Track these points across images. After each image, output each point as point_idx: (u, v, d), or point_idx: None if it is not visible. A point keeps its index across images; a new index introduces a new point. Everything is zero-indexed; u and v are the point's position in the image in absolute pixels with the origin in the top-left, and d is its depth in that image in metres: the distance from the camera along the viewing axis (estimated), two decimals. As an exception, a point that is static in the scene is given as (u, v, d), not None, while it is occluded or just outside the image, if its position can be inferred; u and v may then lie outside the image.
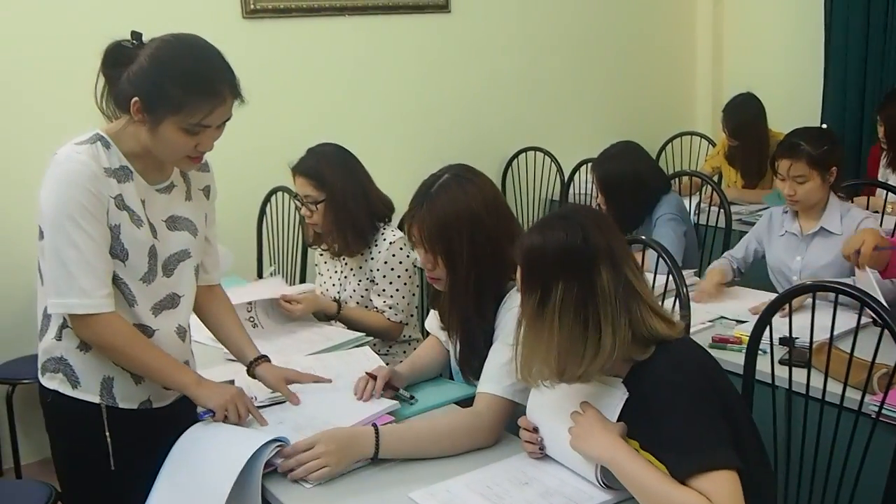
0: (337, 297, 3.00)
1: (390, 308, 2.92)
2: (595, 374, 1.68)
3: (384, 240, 2.93)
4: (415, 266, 2.97)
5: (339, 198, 2.89)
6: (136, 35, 1.89)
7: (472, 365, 2.14)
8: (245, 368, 2.22)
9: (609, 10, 5.47)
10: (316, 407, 2.13)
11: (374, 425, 1.94)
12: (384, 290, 2.93)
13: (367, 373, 2.22)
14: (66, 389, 1.97)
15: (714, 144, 5.27)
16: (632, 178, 3.41)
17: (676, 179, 4.11)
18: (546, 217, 1.82)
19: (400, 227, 2.95)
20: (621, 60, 5.56)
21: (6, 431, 3.71)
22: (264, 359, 2.20)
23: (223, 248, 3.59)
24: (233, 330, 2.26)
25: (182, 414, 2.08)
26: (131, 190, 1.92)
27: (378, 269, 2.92)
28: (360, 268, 2.99)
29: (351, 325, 2.93)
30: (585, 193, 4.62)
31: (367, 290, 2.98)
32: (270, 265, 4.02)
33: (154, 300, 2.00)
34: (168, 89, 1.81)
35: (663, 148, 5.48)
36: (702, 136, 5.44)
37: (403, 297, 2.94)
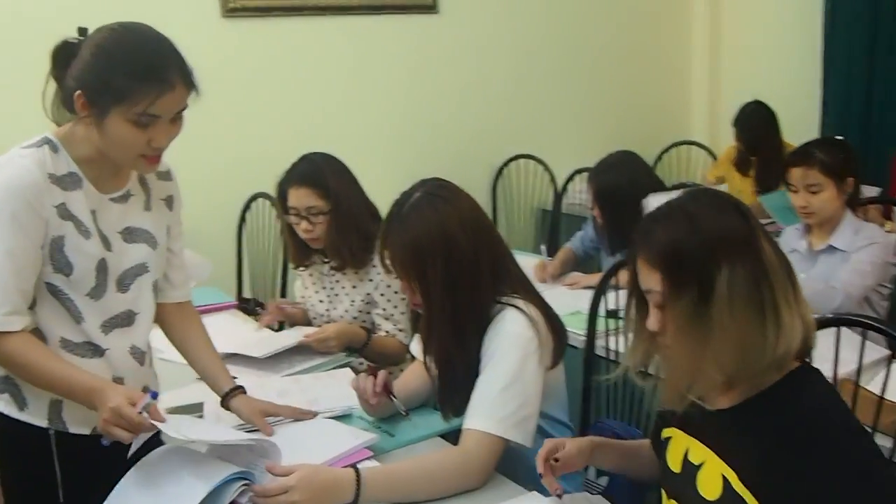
0: (365, 325, 2.79)
1: (401, 331, 2.74)
2: (770, 370, 1.44)
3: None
4: None
5: (345, 208, 2.70)
6: (83, 30, 1.74)
7: (453, 402, 1.96)
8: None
9: (603, 14, 5.33)
10: (289, 436, 1.94)
11: (356, 468, 1.74)
12: (392, 315, 2.75)
13: (368, 366, 2.05)
14: (12, 411, 1.83)
15: (712, 154, 5.14)
16: (629, 189, 3.24)
17: (676, 191, 3.94)
18: (659, 209, 1.51)
19: None
20: (616, 65, 5.42)
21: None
22: (239, 390, 2.03)
23: (200, 258, 3.45)
24: (204, 354, 2.07)
25: (142, 440, 1.89)
26: (79, 198, 1.77)
27: (380, 291, 2.74)
28: (355, 287, 2.80)
29: (373, 355, 2.71)
30: (580, 204, 4.48)
31: (360, 310, 2.79)
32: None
33: (104, 317, 1.84)
34: (110, 78, 1.67)
35: (660, 157, 5.36)
36: (699, 145, 5.30)
37: (409, 320, 2.74)
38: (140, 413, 1.67)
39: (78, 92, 1.70)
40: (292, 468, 1.69)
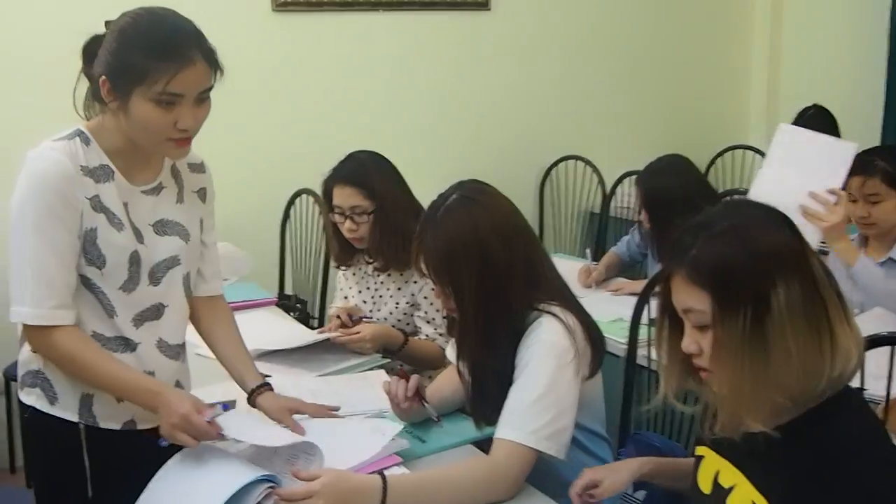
0: (408, 328, 2.76)
1: (441, 336, 2.69)
2: (826, 392, 1.36)
3: None
4: None
5: (390, 208, 2.66)
6: (109, 23, 1.74)
7: (484, 411, 1.91)
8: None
9: (660, 14, 5.22)
10: (318, 437, 1.88)
11: (383, 475, 1.69)
12: (433, 319, 2.70)
13: (400, 369, 2.03)
14: (44, 406, 1.83)
15: (768, 160, 5.00)
16: (679, 195, 3.16)
17: (728, 198, 3.84)
18: (697, 224, 1.43)
19: None
20: (671, 66, 5.30)
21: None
22: (266, 387, 1.99)
23: (240, 253, 3.45)
24: (233, 350, 2.04)
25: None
26: (111, 190, 1.77)
27: (423, 294, 2.70)
28: (400, 289, 2.76)
29: (409, 358, 2.67)
30: (628, 207, 4.39)
31: (404, 313, 2.75)
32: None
33: (136, 310, 1.84)
34: (129, 57, 1.67)
35: (713, 162, 5.22)
36: (755, 150, 5.16)
37: None
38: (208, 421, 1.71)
39: (102, 77, 1.70)
40: (318, 473, 1.65)
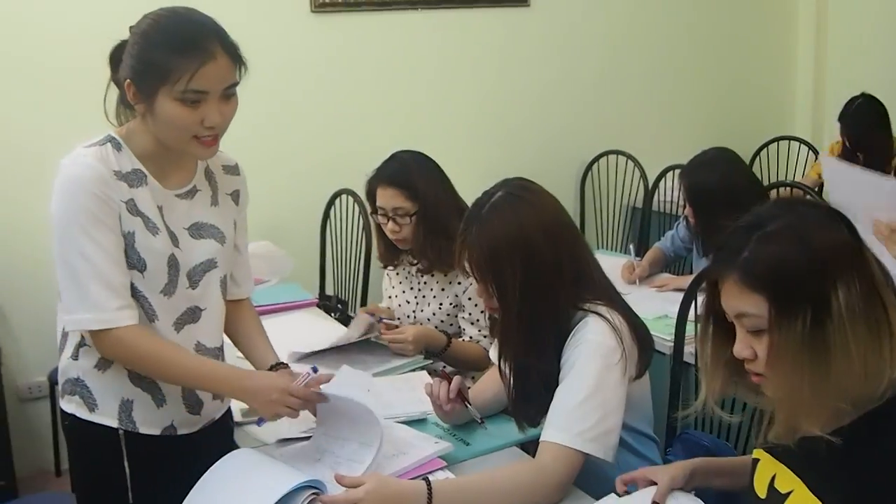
0: (451, 329, 2.74)
1: (485, 337, 2.66)
2: (887, 393, 1.32)
3: None
4: None
5: (432, 210, 2.64)
6: (133, 28, 1.73)
7: (527, 413, 1.88)
8: None
9: (700, 3, 5.13)
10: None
11: (427, 480, 1.68)
12: (478, 320, 2.68)
13: (442, 371, 2.02)
14: (84, 413, 1.83)
15: (814, 150, 4.91)
16: (725, 189, 3.09)
17: (774, 191, 3.76)
18: (747, 224, 1.37)
19: None
20: (713, 57, 5.22)
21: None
22: (283, 366, 1.98)
23: (282, 253, 3.45)
24: (252, 333, 2.05)
25: (212, 442, 1.90)
26: (145, 195, 1.77)
27: (468, 295, 2.68)
28: (443, 290, 2.74)
29: (452, 360, 2.66)
30: (671, 201, 4.32)
31: (447, 314, 2.73)
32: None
33: (176, 314, 1.83)
34: (151, 57, 1.66)
35: (757, 153, 5.14)
36: (801, 140, 5.07)
37: None
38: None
39: (127, 81, 1.70)
40: (361, 479, 1.64)
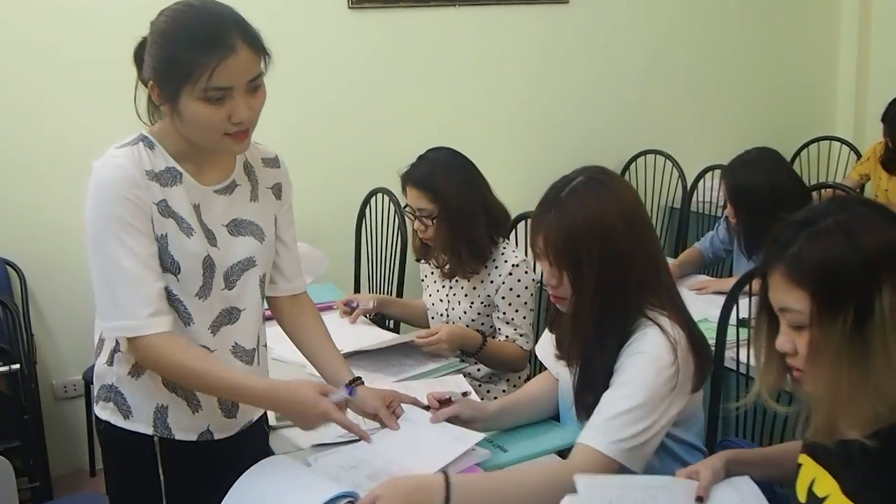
0: (482, 328, 2.72)
1: (521, 336, 2.65)
2: None
3: (505, 261, 2.66)
4: (537, 288, 2.72)
5: (455, 212, 2.62)
6: (152, 23, 1.68)
7: (586, 402, 1.82)
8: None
9: (741, 1, 5.05)
10: (395, 449, 1.85)
11: (445, 473, 1.63)
12: (513, 319, 2.66)
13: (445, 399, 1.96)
14: (118, 420, 1.80)
15: (856, 151, 4.83)
16: (768, 190, 3.04)
17: (817, 192, 3.69)
18: (800, 219, 1.36)
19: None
20: (753, 57, 5.14)
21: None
22: (360, 381, 1.93)
23: (318, 253, 3.44)
24: (323, 347, 1.99)
25: (248, 447, 1.87)
26: (180, 194, 1.72)
27: (501, 294, 2.66)
28: (474, 289, 2.72)
29: (488, 360, 2.65)
30: (710, 202, 4.26)
31: (479, 313, 2.71)
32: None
33: (212, 317, 1.79)
34: (171, 56, 1.61)
35: (798, 154, 5.07)
36: (843, 141, 4.99)
37: (531, 324, 2.68)
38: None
39: (150, 82, 1.65)
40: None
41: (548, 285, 1.85)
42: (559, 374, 2.03)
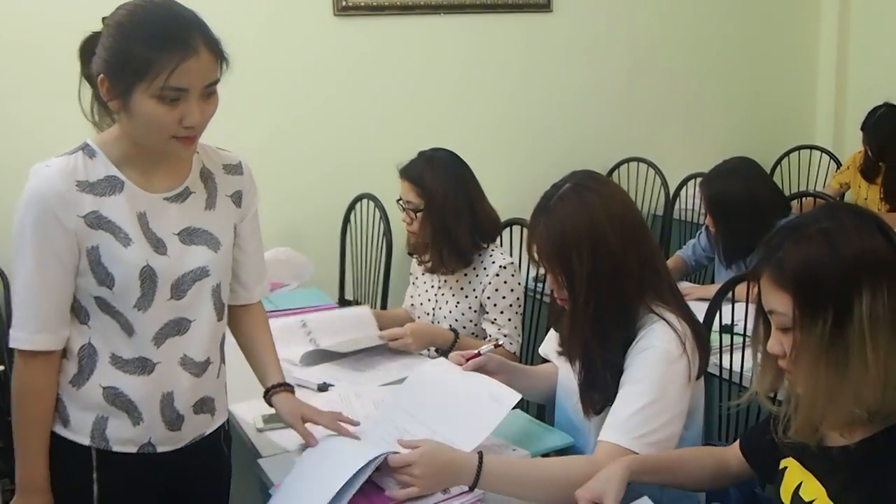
0: (453, 327, 2.76)
1: (506, 337, 2.69)
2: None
3: (493, 262, 2.71)
4: (524, 292, 2.78)
5: (438, 209, 2.68)
6: (106, 19, 1.64)
7: (592, 398, 1.88)
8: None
9: (723, 12, 5.11)
10: (437, 403, 1.95)
11: (480, 453, 1.70)
12: (496, 320, 2.71)
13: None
14: (59, 428, 1.74)
15: (836, 160, 4.89)
16: (746, 199, 3.09)
17: (797, 201, 3.74)
18: (789, 225, 1.43)
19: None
20: (734, 66, 5.19)
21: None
22: (285, 387, 1.94)
23: (303, 258, 3.45)
24: (261, 350, 1.98)
25: (197, 460, 1.85)
26: (118, 203, 1.66)
27: (486, 295, 2.71)
28: (462, 289, 2.77)
29: None
30: (692, 210, 4.30)
31: (463, 314, 2.76)
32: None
33: (156, 327, 1.73)
34: (128, 51, 1.55)
35: (778, 162, 5.11)
36: (823, 150, 5.04)
37: (516, 327, 2.73)
38: None
39: (101, 76, 1.59)
40: (419, 442, 1.72)
41: (551, 289, 1.92)
42: (560, 369, 2.09)
